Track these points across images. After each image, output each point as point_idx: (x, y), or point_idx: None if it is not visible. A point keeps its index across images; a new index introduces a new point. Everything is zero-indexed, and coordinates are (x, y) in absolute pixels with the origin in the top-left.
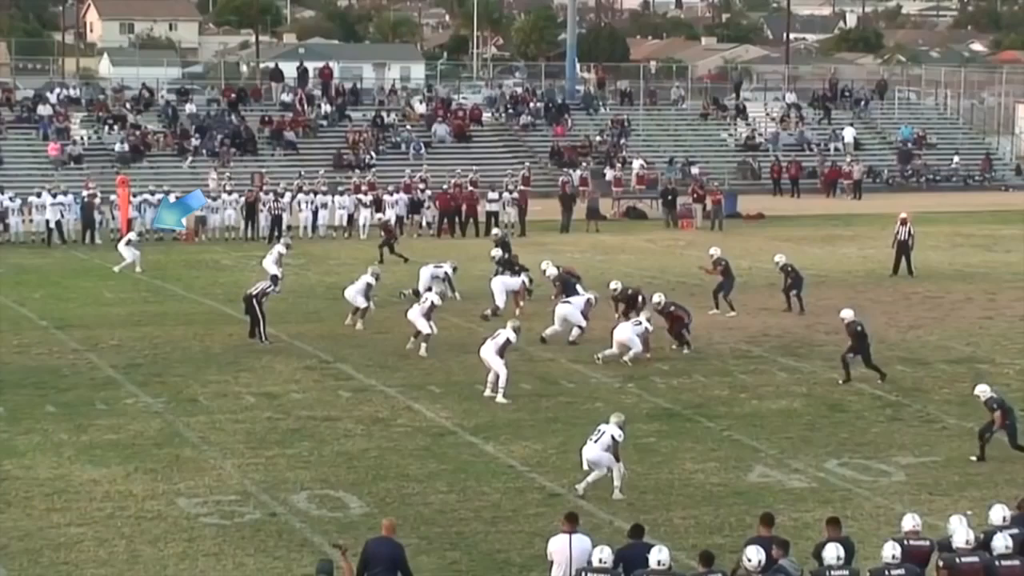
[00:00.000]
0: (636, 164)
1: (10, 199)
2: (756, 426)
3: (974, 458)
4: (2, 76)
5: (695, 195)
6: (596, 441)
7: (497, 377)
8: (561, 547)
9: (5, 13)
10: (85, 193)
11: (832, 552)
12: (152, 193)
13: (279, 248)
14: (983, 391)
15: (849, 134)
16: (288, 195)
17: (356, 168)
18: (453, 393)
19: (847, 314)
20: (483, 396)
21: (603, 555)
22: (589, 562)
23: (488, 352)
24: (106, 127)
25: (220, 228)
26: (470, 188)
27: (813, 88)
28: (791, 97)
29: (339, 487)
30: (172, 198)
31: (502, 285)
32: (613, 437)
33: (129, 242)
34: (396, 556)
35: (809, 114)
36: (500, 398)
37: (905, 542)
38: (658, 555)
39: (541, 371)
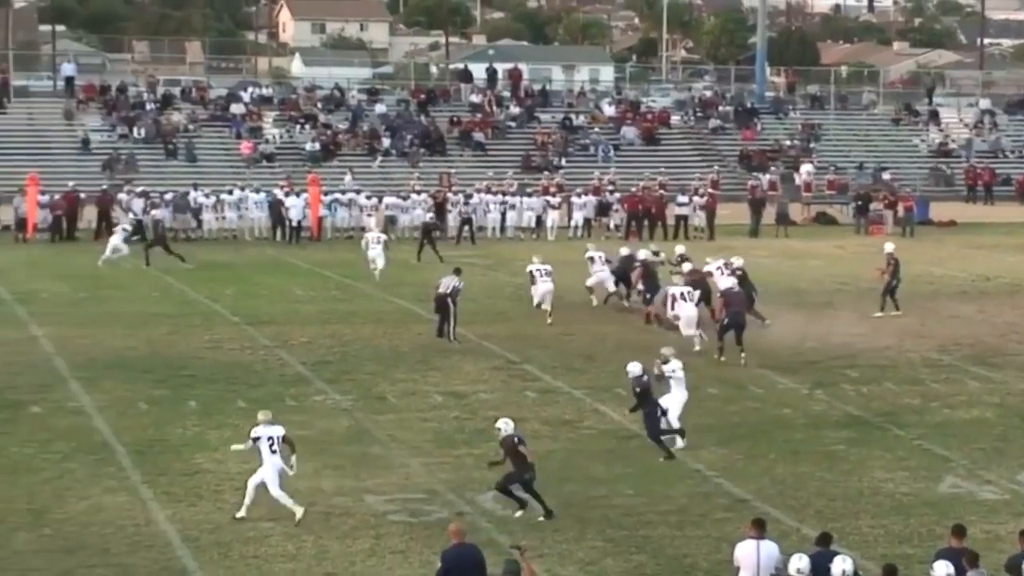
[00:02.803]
0: (804, 169)
1: (204, 196)
2: (947, 436)
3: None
4: (196, 75)
5: (886, 201)
6: (274, 451)
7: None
8: (748, 553)
9: (199, 13)
10: (277, 191)
11: None
12: (343, 192)
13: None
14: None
15: None
16: (476, 197)
17: (544, 170)
18: None
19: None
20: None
21: (801, 564)
22: (786, 570)
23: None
24: (297, 126)
25: (409, 228)
26: (659, 191)
27: (1008, 94)
28: (985, 103)
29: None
30: (363, 198)
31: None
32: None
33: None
34: (480, 561)
35: (1003, 120)
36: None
37: None
38: (842, 564)
39: (728, 376)
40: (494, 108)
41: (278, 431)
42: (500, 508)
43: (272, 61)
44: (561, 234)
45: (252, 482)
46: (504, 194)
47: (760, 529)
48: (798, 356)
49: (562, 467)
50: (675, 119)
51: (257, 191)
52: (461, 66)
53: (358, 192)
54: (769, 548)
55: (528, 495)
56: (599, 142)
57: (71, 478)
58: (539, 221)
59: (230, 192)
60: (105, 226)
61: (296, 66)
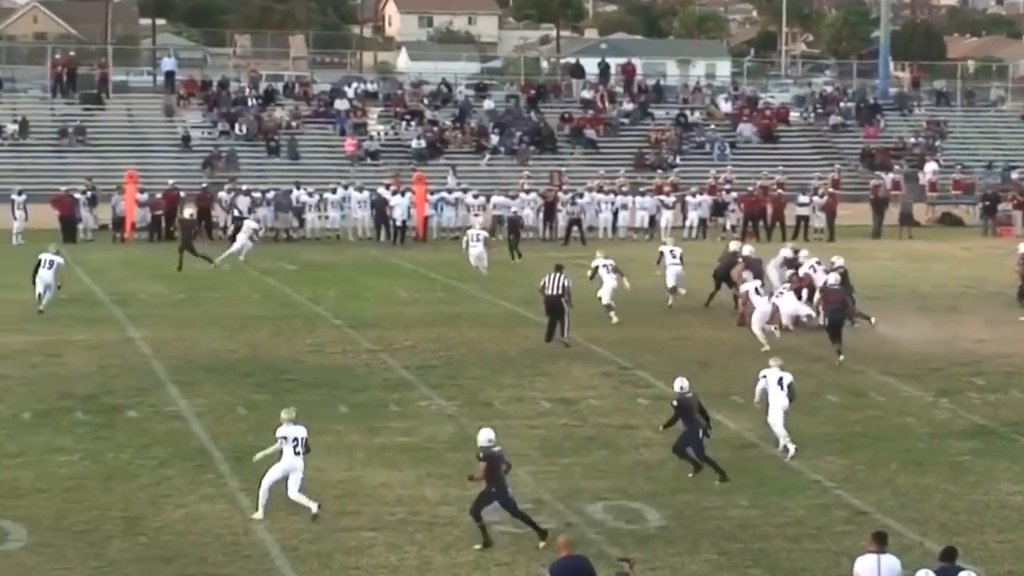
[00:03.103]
0: (929, 168)
1: (307, 195)
2: None
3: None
4: (300, 70)
5: (1015, 201)
6: (298, 453)
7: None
8: (869, 568)
9: (304, 6)
10: (382, 190)
11: None
12: (450, 191)
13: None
14: (488, 437)
15: None
16: (587, 196)
17: (658, 168)
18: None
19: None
20: None
21: None
22: None
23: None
24: (403, 123)
25: None
26: (777, 190)
27: None
28: None
29: (636, 498)
30: (471, 197)
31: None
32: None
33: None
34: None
35: None
36: None
37: None
38: None
39: (849, 383)
40: (606, 104)
41: (302, 432)
42: (611, 519)
43: (377, 56)
44: (675, 235)
45: (295, 495)
46: (616, 193)
47: (881, 543)
48: (922, 363)
49: (675, 478)
50: (794, 116)
51: (360, 190)
52: (572, 61)
53: (465, 191)
54: (891, 563)
55: (475, 518)
56: (715, 139)
57: (168, 485)
58: (652, 221)
59: (333, 191)
60: (204, 225)
61: (402, 61)
